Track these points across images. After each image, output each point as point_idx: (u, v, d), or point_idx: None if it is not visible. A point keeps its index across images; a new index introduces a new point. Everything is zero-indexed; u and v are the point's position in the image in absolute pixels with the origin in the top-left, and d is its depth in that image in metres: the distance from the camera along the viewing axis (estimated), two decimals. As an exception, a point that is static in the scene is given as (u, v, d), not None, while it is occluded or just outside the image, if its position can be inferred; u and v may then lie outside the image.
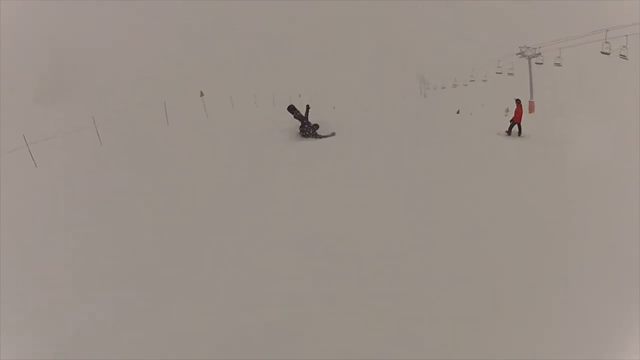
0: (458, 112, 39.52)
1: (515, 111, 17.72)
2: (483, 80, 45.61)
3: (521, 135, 17.43)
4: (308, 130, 16.00)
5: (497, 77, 43.67)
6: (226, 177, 11.61)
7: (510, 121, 17.70)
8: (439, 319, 5.76)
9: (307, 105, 16.68)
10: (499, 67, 44.01)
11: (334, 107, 27.96)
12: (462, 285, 6.38)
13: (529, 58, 35.64)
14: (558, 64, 33.12)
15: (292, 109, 16.51)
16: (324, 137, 15.96)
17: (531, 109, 34.42)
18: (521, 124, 17.57)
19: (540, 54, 36.00)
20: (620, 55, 31.67)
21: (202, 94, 22.15)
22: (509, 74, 38.82)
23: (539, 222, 7.99)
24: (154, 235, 8.71)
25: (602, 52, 33.37)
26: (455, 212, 8.51)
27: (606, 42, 32.59)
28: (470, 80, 50.73)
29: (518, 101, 17.83)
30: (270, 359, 5.35)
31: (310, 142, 15.45)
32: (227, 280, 6.93)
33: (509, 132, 17.58)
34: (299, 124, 16.19)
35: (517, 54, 36.78)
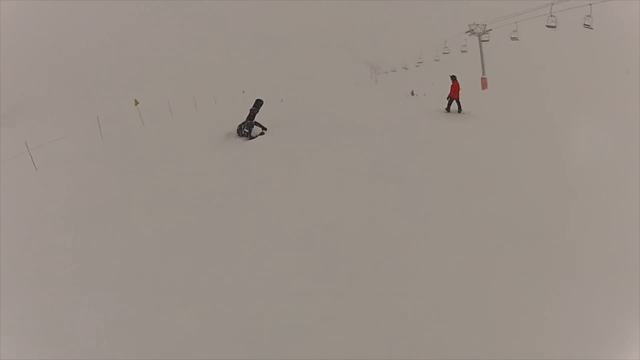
0: (413, 94, 40.23)
1: (451, 87, 17.27)
2: (435, 60, 46.43)
3: (461, 111, 17.10)
4: (242, 130, 14.93)
5: (451, 56, 44.43)
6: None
7: (448, 98, 17.34)
8: (438, 319, 5.76)
9: (258, 100, 15.61)
10: (445, 47, 45.02)
11: (281, 100, 27.89)
12: (462, 284, 6.39)
13: (479, 35, 39.19)
14: (515, 38, 35.29)
15: (258, 104, 15.48)
16: (255, 137, 14.88)
17: (484, 85, 37.88)
18: (459, 99, 17.20)
19: (490, 30, 38.74)
20: (585, 25, 31.58)
21: (136, 103, 21.74)
22: (462, 51, 40.68)
23: (539, 222, 7.99)
24: (154, 235, 8.71)
25: (548, 26, 33.78)
26: (449, 207, 8.55)
27: (551, 15, 31.62)
28: (419, 62, 51.49)
29: (453, 77, 17.25)
30: (272, 359, 5.35)
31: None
32: (227, 281, 6.93)
33: (447, 109, 17.38)
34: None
35: (467, 32, 40.35)
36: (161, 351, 5.61)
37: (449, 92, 17.24)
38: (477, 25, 39.51)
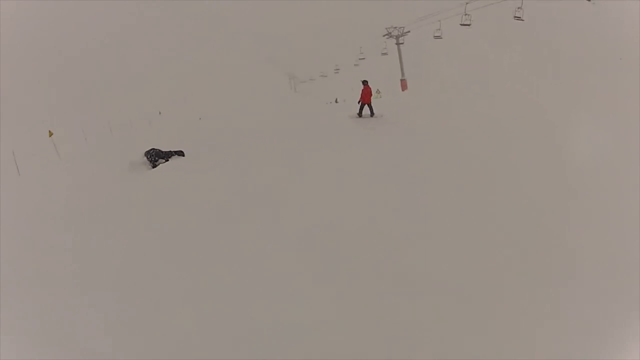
0: (336, 101, 40.84)
1: (362, 92, 17.35)
2: (354, 65, 47.24)
3: (374, 115, 17.20)
4: (153, 156, 14.35)
5: (372, 60, 45.04)
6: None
7: (358, 102, 17.44)
8: (438, 319, 5.76)
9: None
10: (361, 53, 45.64)
11: (200, 119, 27.80)
12: (462, 284, 6.39)
13: (396, 37, 40.24)
14: (438, 37, 35.85)
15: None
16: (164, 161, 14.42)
17: (404, 87, 38.61)
18: (371, 104, 17.33)
19: (408, 32, 39.52)
20: (515, 17, 31.73)
21: (50, 134, 21.36)
22: (383, 54, 41.85)
23: (538, 221, 7.99)
24: (154, 236, 8.72)
25: (462, 24, 32.90)
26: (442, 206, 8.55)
27: (465, 14, 32.00)
28: (336, 70, 52.03)
29: (365, 82, 17.26)
30: (272, 359, 5.34)
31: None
32: (227, 281, 6.93)
33: (359, 114, 17.48)
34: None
35: (384, 35, 41.41)
36: (161, 351, 5.61)
37: (360, 97, 17.28)
38: (395, 28, 40.29)
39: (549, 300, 5.91)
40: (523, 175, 10.12)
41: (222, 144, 15.85)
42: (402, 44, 39.96)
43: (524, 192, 9.24)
